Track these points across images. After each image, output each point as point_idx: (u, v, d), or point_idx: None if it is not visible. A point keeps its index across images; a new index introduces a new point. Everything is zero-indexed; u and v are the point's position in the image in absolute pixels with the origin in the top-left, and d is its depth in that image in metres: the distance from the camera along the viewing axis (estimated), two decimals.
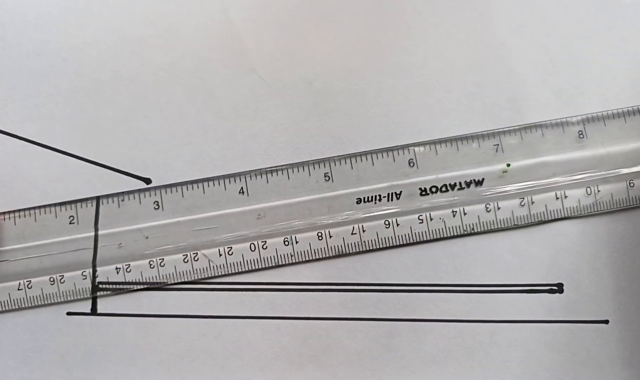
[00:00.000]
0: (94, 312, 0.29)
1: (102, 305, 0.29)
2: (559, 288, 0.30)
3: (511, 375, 0.29)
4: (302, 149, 0.30)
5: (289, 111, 0.30)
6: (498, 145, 0.30)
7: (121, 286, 0.29)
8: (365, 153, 0.30)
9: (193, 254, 0.30)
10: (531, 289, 0.30)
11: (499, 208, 0.30)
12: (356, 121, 0.30)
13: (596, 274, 0.30)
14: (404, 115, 0.30)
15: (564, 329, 0.29)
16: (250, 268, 0.29)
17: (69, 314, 0.29)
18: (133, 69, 0.31)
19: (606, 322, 0.29)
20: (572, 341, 0.29)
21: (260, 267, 0.29)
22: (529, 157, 0.30)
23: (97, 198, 0.30)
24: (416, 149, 0.30)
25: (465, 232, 0.30)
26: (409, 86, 0.31)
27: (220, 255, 0.29)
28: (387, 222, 0.30)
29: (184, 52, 0.31)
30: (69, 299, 0.29)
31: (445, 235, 0.30)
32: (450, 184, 0.30)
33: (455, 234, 0.30)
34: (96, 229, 0.30)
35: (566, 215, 0.30)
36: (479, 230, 0.30)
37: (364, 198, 0.30)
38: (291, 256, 0.30)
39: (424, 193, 0.30)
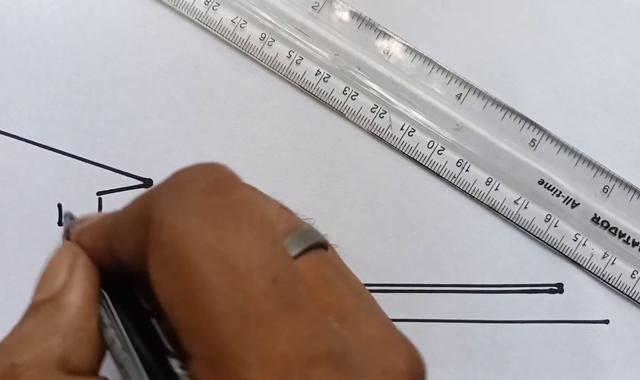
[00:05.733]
0: None
1: None
2: (559, 288, 0.30)
3: (512, 375, 0.29)
4: (302, 149, 0.30)
5: (289, 111, 0.30)
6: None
7: None
8: None
9: None
10: (531, 289, 0.30)
11: None
12: None
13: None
14: None
15: (564, 329, 0.29)
16: None
17: None
18: (133, 69, 0.31)
19: (606, 322, 0.29)
20: (572, 341, 0.29)
21: None
22: None
23: (99, 199, 0.30)
24: None
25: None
26: None
27: None
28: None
29: (184, 52, 0.31)
30: None
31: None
32: None
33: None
34: None
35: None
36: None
37: None
38: None
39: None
